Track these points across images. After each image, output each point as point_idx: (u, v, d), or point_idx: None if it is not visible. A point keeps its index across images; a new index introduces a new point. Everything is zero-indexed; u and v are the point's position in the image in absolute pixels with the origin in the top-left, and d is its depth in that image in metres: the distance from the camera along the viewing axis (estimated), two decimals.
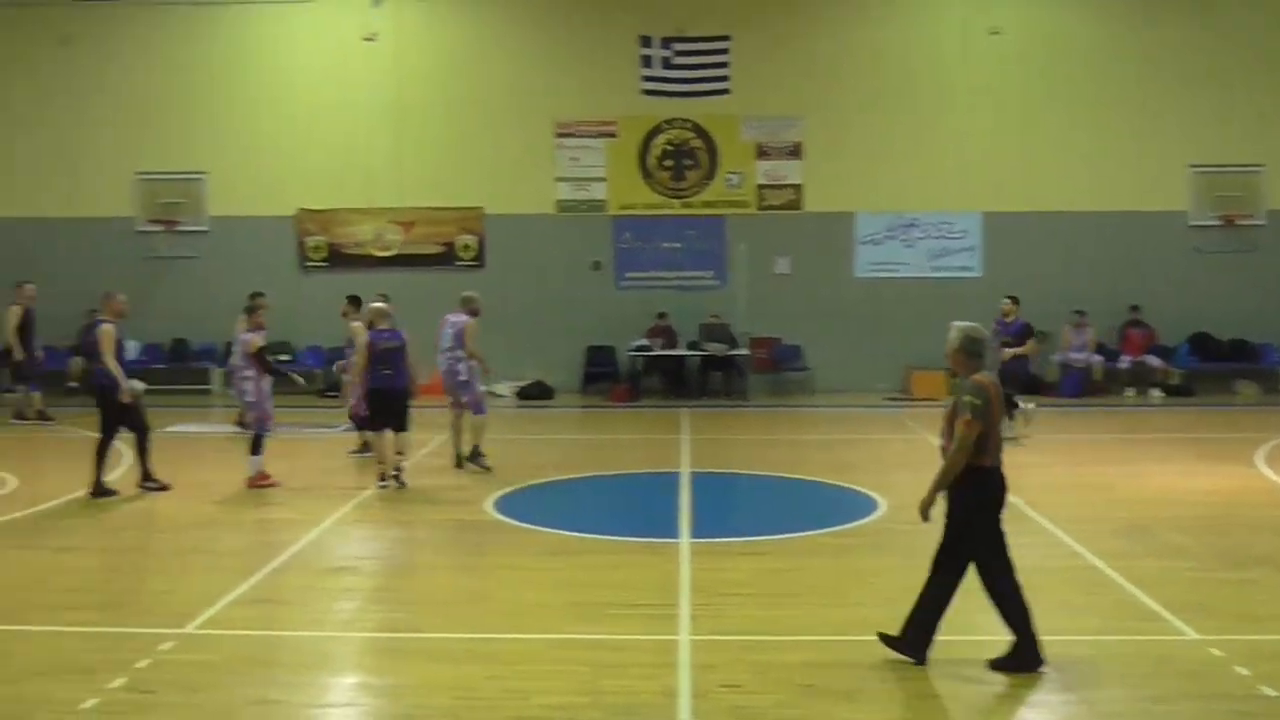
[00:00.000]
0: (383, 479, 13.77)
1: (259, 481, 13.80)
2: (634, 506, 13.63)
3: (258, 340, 14.06)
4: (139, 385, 13.52)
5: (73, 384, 22.92)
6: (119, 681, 7.46)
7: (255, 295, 19.02)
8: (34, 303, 19.70)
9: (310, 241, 23.72)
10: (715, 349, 22.72)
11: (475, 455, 14.93)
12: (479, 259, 23.59)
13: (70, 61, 23.65)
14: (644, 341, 22.92)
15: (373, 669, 7.87)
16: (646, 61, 23.42)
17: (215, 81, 23.61)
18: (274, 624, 8.85)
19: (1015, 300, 17.66)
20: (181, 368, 23.16)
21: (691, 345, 23.05)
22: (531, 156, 23.47)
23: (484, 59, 23.47)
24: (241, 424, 18.88)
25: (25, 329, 19.50)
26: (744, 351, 23.01)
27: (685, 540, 11.17)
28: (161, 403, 20.28)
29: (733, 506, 14.02)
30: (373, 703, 7.25)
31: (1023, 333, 17.13)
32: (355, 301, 16.54)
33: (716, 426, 19.59)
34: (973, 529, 7.47)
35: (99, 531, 11.86)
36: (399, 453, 13.90)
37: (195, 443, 17.52)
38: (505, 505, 12.81)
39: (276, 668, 7.87)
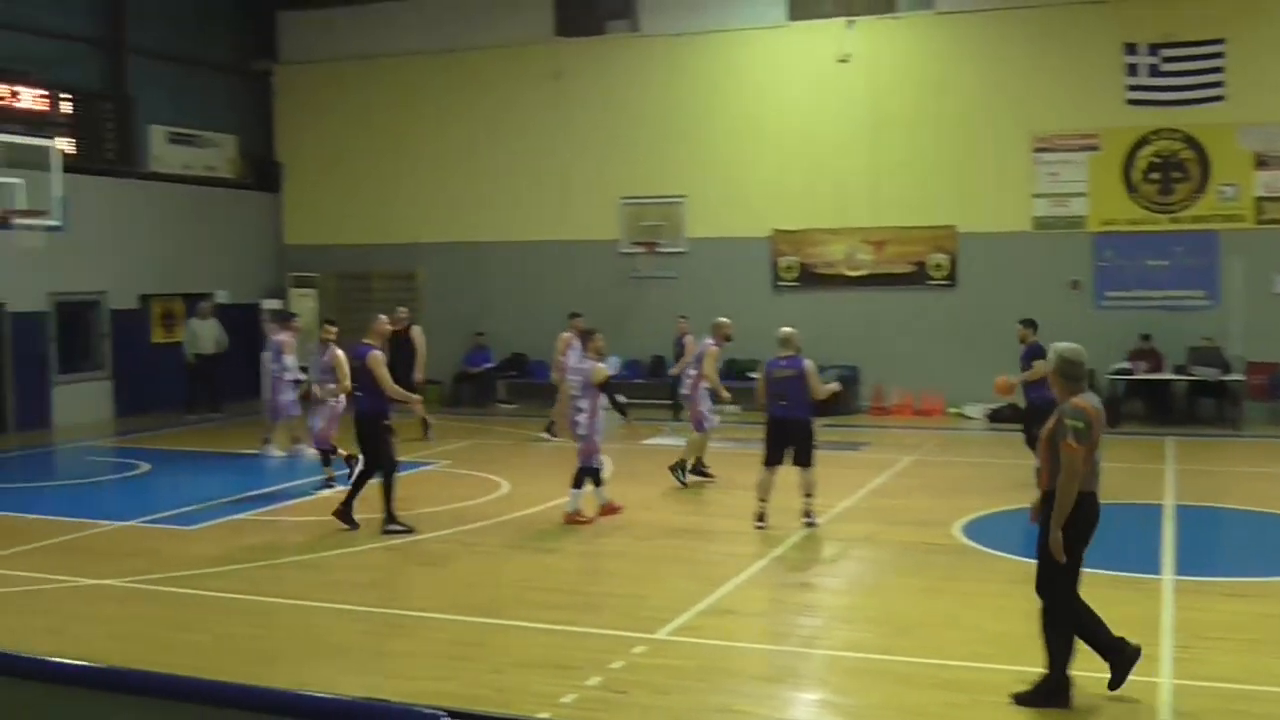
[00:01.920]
0: (760, 518, 12.62)
1: (574, 518, 12.96)
2: (1112, 538, 12.78)
3: (605, 370, 13.18)
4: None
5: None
6: (595, 680, 7.81)
7: (573, 315, 19.48)
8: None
9: (783, 262, 24.09)
10: (1205, 374, 21.20)
11: (679, 467, 15.28)
12: (951, 278, 23.17)
13: (561, 94, 25.22)
14: (1126, 365, 21.73)
15: (835, 687, 7.83)
16: (1132, 70, 22.22)
17: (694, 107, 24.47)
18: (740, 635, 9.01)
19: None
20: (659, 383, 24.05)
21: (1178, 369, 21.61)
22: (1007, 172, 22.80)
23: (958, 75, 23.05)
24: (550, 431, 19.53)
25: (392, 349, 19.82)
26: (1238, 377, 21.33)
27: (1168, 577, 10.47)
28: (641, 417, 21.22)
29: (1221, 544, 13.01)
30: None
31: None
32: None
33: (1205, 457, 18.26)
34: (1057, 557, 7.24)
35: (579, 536, 12.50)
36: (807, 494, 12.63)
37: (672, 455, 18.12)
38: (975, 530, 12.47)
39: (741, 678, 8.00)
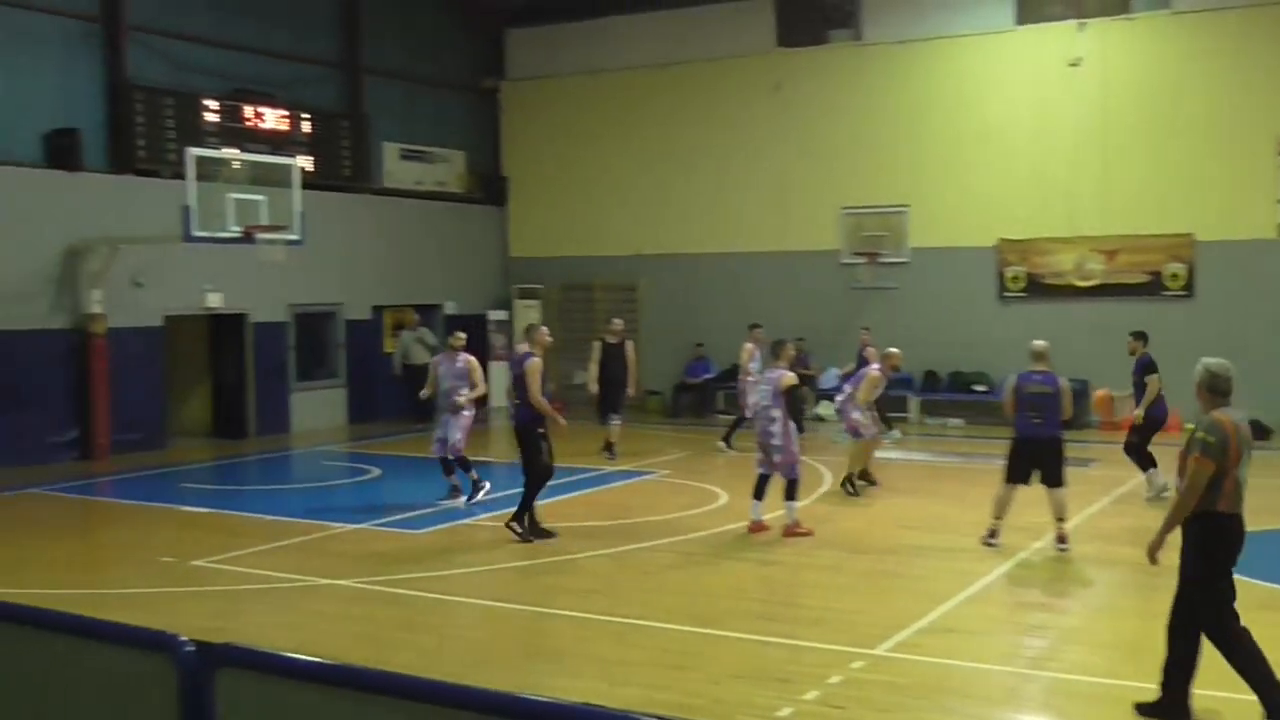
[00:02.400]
0: (992, 534, 12.24)
1: (793, 530, 12.82)
2: None
3: (791, 377, 13.09)
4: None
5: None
6: (812, 694, 7.73)
7: (753, 326, 19.37)
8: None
9: (1009, 272, 23.47)
10: None
11: (848, 480, 15.50)
12: (1188, 288, 22.19)
13: (782, 105, 25.13)
14: None
15: (1061, 711, 7.58)
16: None
17: (917, 115, 24.07)
18: (962, 654, 8.79)
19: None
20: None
21: None
22: (1249, 177, 21.72)
23: (1197, 76, 22.07)
24: (726, 439, 19.49)
25: (607, 363, 19.27)
26: None
27: None
28: None
29: None
30: None
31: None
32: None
33: None
34: (1203, 583, 7.13)
35: (797, 549, 12.40)
36: (1059, 518, 12.09)
37: (893, 469, 17.87)
38: None
39: (963, 698, 7.80)
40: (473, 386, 14.93)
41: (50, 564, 12.22)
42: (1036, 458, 12.18)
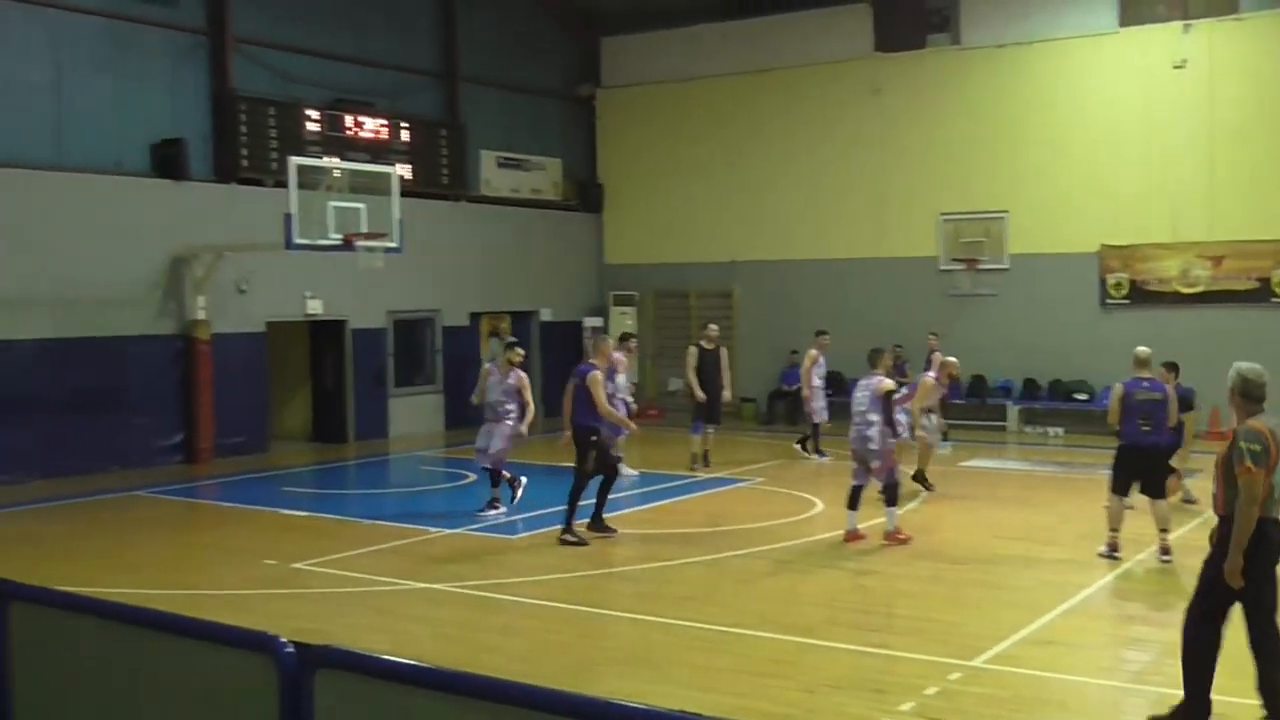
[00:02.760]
0: (1113, 548, 11.96)
1: (894, 537, 12.81)
2: None
3: (889, 384, 13.00)
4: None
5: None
6: (908, 705, 7.65)
7: (820, 333, 19.57)
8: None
9: (1112, 279, 23.05)
10: None
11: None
12: None
13: (880, 110, 24.94)
14: None
15: None
16: None
17: (1017, 120, 23.74)
18: (1062, 667, 8.65)
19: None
20: (979, 404, 23.46)
21: None
22: None
23: None
24: (803, 443, 19.54)
25: (703, 369, 18.86)
26: None
27: None
28: (959, 438, 20.76)
29: None
30: None
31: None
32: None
33: None
34: (1245, 584, 6.92)
35: (895, 558, 12.29)
36: (1163, 530, 11.86)
37: (992, 478, 17.65)
38: None
39: (1063, 711, 7.68)
40: (523, 406, 14.97)
41: (155, 565, 12.49)
42: (1142, 467, 11.97)
